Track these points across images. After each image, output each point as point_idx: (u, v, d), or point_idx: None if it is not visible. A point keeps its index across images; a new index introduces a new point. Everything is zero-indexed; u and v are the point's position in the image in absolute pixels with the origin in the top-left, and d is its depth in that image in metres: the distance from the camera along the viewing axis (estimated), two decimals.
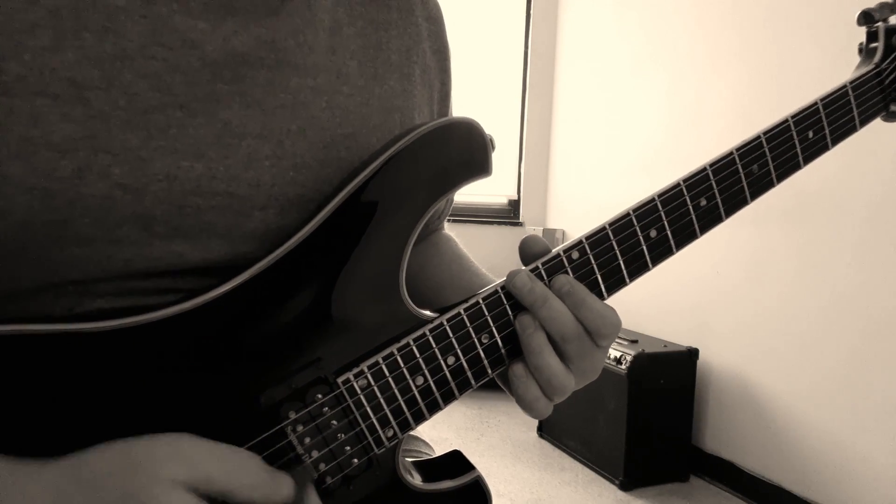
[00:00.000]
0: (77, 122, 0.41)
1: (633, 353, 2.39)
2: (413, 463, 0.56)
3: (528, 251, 0.53)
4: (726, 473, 2.46)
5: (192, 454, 0.40)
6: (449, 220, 0.78)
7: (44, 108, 0.40)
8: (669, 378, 2.48)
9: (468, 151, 0.51)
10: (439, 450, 0.69)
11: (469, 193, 3.68)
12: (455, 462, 0.56)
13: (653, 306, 2.78)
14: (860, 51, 0.70)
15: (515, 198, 3.82)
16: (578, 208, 3.49)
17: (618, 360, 2.41)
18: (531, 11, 3.72)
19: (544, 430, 2.88)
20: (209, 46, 0.46)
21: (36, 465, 0.38)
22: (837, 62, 2.02)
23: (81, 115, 0.41)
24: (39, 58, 0.40)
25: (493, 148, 0.52)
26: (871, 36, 0.69)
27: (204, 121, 0.45)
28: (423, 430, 0.72)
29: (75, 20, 0.41)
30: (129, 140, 0.42)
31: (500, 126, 3.75)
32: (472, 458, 0.55)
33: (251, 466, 0.41)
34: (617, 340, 2.56)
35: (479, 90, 3.65)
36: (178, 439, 0.40)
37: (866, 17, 0.69)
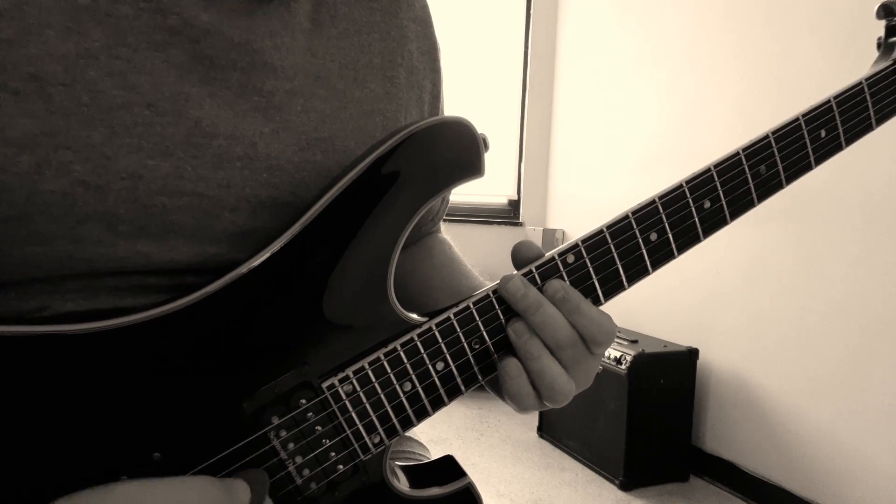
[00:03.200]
0: (37, 117, 0.40)
1: (633, 353, 2.38)
2: (403, 467, 0.55)
3: (521, 256, 0.51)
4: (726, 473, 2.46)
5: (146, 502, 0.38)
6: (449, 221, 0.77)
7: (3, 102, 0.39)
8: (669, 378, 2.47)
9: (459, 151, 0.49)
10: (437, 450, 0.68)
11: (469, 193, 3.68)
12: (447, 467, 0.55)
13: (653, 306, 2.77)
14: (878, 45, 0.66)
15: (515, 198, 3.81)
16: (578, 208, 3.48)
17: (618, 360, 2.41)
18: (531, 11, 3.71)
19: (544, 430, 2.87)
20: (174, 49, 0.45)
21: None
22: (838, 62, 2.02)
23: (42, 111, 0.40)
24: (0, 51, 0.39)
25: (487, 148, 0.51)
26: (891, 30, 0.65)
27: (172, 119, 0.44)
28: (423, 430, 0.71)
29: (38, 16, 0.40)
30: (92, 137, 0.41)
31: (499, 126, 3.74)
32: (472, 459, 0.54)
33: (206, 494, 0.40)
34: (617, 340, 2.56)
35: (478, 90, 3.65)
36: (126, 491, 0.38)
37: (886, 11, 0.64)
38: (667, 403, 2.48)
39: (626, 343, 2.53)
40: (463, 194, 3.57)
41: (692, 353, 2.51)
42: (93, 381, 0.41)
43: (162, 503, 0.38)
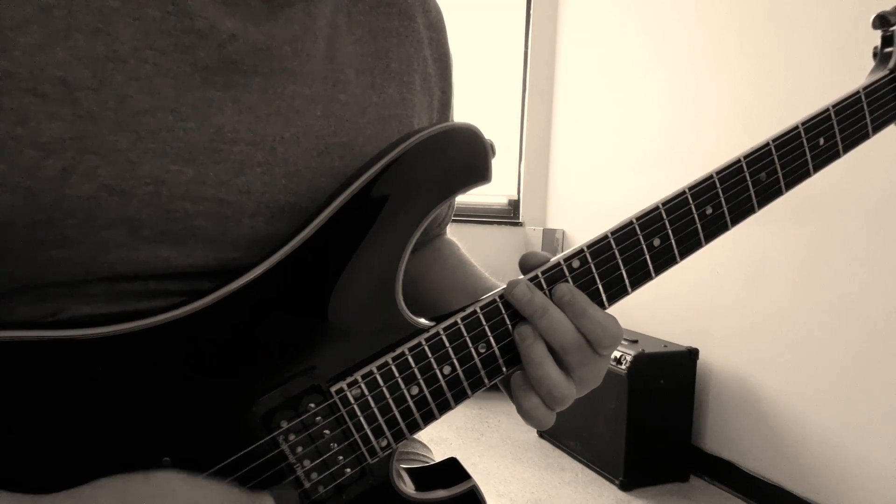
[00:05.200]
0: (65, 121, 0.40)
1: (633, 353, 2.38)
2: (408, 470, 0.56)
3: (528, 264, 0.52)
4: (726, 473, 2.46)
5: (185, 496, 0.40)
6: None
7: (31, 106, 0.39)
8: (669, 378, 2.48)
9: (468, 157, 0.50)
10: (438, 450, 0.69)
11: (469, 193, 3.63)
12: (451, 470, 0.55)
13: (653, 306, 2.77)
14: (874, 55, 0.67)
15: (515, 198, 3.81)
16: (578, 208, 3.49)
17: (618, 360, 2.41)
18: (531, 11, 3.71)
19: (544, 430, 2.88)
20: (201, 52, 0.45)
21: (29, 500, 0.38)
22: (840, 60, 2.03)
23: (70, 115, 0.40)
24: (29, 55, 0.40)
25: (494, 154, 0.51)
26: (887, 40, 0.66)
27: (195, 125, 0.45)
28: (423, 430, 0.72)
29: (67, 19, 0.41)
30: (118, 142, 0.42)
31: (500, 126, 3.74)
32: (472, 459, 0.55)
33: (235, 499, 0.41)
34: None
35: (479, 91, 3.65)
36: (169, 480, 0.40)
37: (882, 21, 0.65)
38: (667, 403, 2.48)
39: (626, 343, 2.53)
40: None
41: (692, 353, 2.51)
42: (103, 386, 0.42)
43: (189, 497, 0.40)
